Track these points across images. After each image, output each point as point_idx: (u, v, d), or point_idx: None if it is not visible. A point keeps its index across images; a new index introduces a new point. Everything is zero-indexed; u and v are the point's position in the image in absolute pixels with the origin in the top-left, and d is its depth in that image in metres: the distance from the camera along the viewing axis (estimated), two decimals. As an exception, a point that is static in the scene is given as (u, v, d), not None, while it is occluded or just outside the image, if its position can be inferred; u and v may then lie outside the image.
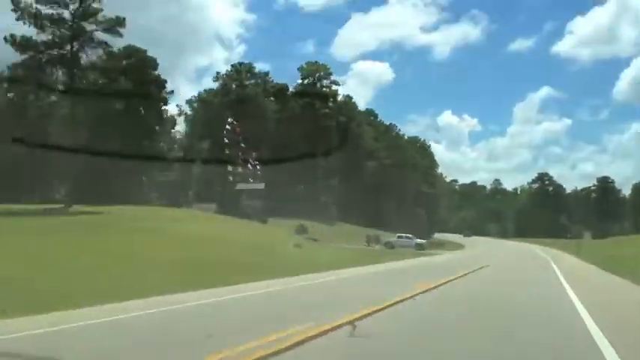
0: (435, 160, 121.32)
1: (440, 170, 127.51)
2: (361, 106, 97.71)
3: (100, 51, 51.52)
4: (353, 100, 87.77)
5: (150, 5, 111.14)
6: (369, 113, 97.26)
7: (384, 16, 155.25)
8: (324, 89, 79.98)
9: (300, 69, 79.91)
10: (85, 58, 51.20)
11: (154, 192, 73.12)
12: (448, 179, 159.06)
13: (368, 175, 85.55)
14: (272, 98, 78.28)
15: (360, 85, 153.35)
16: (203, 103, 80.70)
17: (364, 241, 60.74)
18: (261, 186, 46.92)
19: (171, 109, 77.83)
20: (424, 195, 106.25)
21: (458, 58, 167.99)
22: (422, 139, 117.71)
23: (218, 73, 79.54)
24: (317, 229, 62.37)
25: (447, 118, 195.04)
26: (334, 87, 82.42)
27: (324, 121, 78.15)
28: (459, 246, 78.60)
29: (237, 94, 74.71)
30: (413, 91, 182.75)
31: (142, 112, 65.60)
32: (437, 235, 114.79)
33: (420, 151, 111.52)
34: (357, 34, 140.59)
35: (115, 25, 50.90)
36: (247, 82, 77.43)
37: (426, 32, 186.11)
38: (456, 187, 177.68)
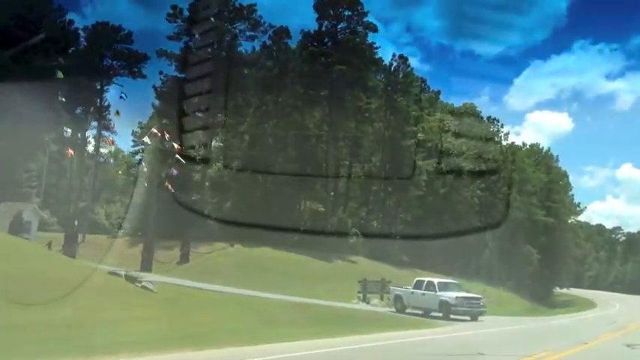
0: (567, 182, 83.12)
1: (575, 199, 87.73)
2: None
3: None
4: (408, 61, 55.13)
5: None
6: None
7: (565, 63, 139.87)
8: (351, 38, 49.57)
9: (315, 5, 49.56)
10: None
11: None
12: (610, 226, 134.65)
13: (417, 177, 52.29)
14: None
15: (536, 135, 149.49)
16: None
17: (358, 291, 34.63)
18: None
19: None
20: (539, 226, 69.45)
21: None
22: (547, 149, 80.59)
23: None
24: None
25: (627, 171, 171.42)
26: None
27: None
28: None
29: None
30: (592, 142, 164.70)
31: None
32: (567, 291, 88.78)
33: (541, 164, 75.20)
34: (535, 82, 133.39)
35: None
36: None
37: (611, 80, 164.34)
38: (620, 236, 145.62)
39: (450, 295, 26.58)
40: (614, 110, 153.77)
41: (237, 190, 47.47)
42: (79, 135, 61.83)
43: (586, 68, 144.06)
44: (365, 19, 48.91)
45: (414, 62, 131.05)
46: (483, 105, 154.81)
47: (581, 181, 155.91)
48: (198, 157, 48.22)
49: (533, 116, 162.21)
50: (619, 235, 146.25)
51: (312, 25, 50.21)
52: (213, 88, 48.65)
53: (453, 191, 57.70)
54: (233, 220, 44.67)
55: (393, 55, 54.51)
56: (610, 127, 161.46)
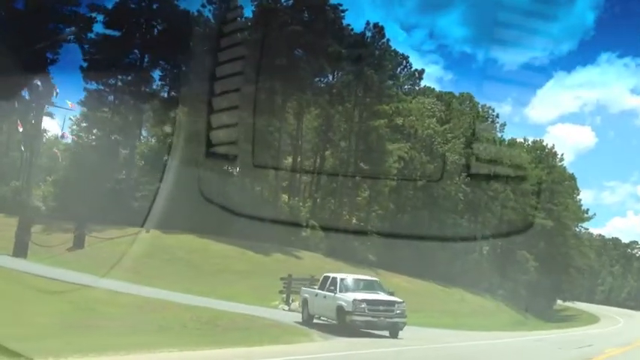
0: (573, 185, 74.72)
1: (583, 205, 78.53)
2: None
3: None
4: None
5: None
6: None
7: (590, 76, 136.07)
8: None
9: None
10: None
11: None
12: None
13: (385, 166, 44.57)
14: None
15: (558, 148, 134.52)
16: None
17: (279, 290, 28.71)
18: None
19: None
20: (537, 230, 61.39)
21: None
22: (550, 146, 72.29)
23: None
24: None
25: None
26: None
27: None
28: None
29: None
30: (615, 157, 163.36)
31: None
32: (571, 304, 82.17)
33: (543, 162, 67.27)
34: (558, 94, 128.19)
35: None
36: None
37: (636, 94, 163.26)
38: (637, 251, 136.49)
39: (347, 298, 18.69)
40: (639, 126, 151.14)
41: (171, 168, 40.47)
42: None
43: (611, 82, 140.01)
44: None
45: (437, 70, 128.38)
46: (505, 116, 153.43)
47: (602, 196, 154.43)
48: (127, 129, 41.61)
49: (555, 129, 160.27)
50: (635, 250, 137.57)
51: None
52: (146, 49, 42.09)
53: (433, 184, 50.11)
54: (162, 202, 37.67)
55: (367, 24, 47.15)
56: (634, 142, 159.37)
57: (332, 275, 20.70)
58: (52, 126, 67.57)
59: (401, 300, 19.52)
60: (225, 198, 40.99)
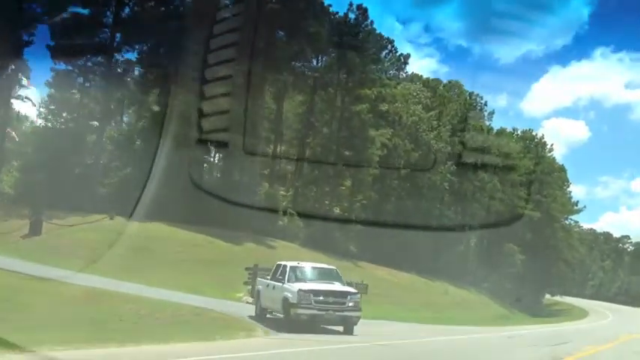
0: (564, 177, 73.07)
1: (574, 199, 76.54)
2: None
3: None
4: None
5: None
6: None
7: (585, 70, 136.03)
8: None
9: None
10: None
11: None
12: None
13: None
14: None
15: (552, 142, 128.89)
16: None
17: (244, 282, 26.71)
18: None
19: None
20: (524, 222, 59.79)
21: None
22: (540, 136, 70.46)
23: None
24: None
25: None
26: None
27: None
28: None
29: None
30: (608, 152, 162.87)
31: None
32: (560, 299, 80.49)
33: (531, 152, 65.56)
34: (553, 88, 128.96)
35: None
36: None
37: (630, 89, 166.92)
38: (628, 245, 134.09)
39: (292, 289, 16.52)
40: (632, 121, 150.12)
41: (141, 152, 38.64)
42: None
43: (605, 77, 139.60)
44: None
45: (432, 63, 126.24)
46: (499, 109, 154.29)
47: (595, 191, 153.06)
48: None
49: (549, 123, 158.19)
50: (627, 245, 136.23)
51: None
52: (117, 28, 40.15)
53: (418, 173, 48.50)
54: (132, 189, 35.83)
55: (350, 6, 45.35)
56: (628, 137, 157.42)
57: (283, 263, 18.57)
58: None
59: (355, 291, 17.58)
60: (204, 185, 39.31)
